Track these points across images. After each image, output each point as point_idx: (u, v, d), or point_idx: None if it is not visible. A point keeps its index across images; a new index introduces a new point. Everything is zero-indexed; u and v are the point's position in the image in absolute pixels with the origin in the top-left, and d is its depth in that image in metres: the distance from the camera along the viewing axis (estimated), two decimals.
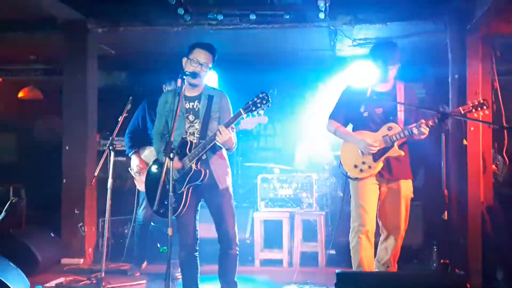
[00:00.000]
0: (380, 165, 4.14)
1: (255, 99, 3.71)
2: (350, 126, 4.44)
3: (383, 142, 4.11)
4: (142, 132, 5.44)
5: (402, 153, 4.14)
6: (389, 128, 4.13)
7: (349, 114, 4.33)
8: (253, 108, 3.71)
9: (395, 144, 4.10)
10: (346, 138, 4.31)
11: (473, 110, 3.91)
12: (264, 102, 3.69)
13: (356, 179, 4.22)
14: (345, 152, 4.30)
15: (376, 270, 4.35)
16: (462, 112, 3.93)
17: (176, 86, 5.18)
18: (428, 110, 4.22)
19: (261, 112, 3.73)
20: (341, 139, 4.37)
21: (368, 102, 4.21)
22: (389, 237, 4.26)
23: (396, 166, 4.19)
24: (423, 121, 3.98)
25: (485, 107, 3.88)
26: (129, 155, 5.46)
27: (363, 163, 4.17)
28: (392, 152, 4.12)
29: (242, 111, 3.74)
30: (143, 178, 5.22)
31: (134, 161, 5.41)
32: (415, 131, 3.99)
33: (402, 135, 4.07)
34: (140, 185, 5.38)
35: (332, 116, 4.39)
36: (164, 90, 5.30)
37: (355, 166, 4.20)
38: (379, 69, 4.20)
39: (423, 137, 4.01)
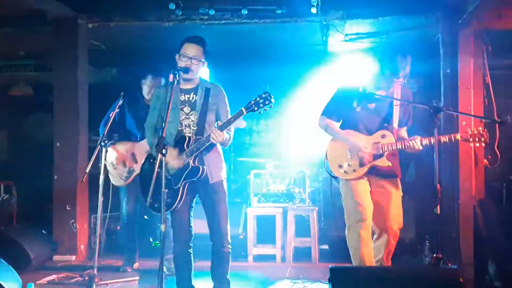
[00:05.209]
0: (364, 170, 4.07)
1: (258, 99, 3.69)
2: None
3: (374, 149, 4.05)
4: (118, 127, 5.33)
5: (390, 164, 4.05)
6: (383, 136, 4.06)
7: (342, 110, 4.22)
8: (255, 108, 3.70)
9: (385, 154, 4.04)
10: (337, 137, 4.20)
11: (470, 139, 3.93)
12: (267, 102, 3.68)
13: (337, 178, 4.17)
14: (332, 150, 4.21)
15: None
16: (460, 138, 3.93)
17: (154, 81, 5.24)
18: (420, 105, 4.22)
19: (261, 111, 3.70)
20: (331, 136, 4.26)
21: (360, 98, 4.10)
22: (382, 235, 4.18)
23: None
24: (418, 137, 3.95)
25: (483, 139, 3.90)
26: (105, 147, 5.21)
27: (349, 165, 4.10)
28: (380, 162, 4.05)
29: (244, 110, 3.72)
30: (120, 172, 5.19)
31: (112, 154, 5.22)
32: (408, 146, 3.96)
33: (394, 147, 4.01)
34: (115, 180, 5.23)
35: (325, 113, 4.27)
36: (143, 85, 5.28)
37: (340, 166, 4.13)
38: (385, 78, 4.06)
39: (415, 151, 3.98)
